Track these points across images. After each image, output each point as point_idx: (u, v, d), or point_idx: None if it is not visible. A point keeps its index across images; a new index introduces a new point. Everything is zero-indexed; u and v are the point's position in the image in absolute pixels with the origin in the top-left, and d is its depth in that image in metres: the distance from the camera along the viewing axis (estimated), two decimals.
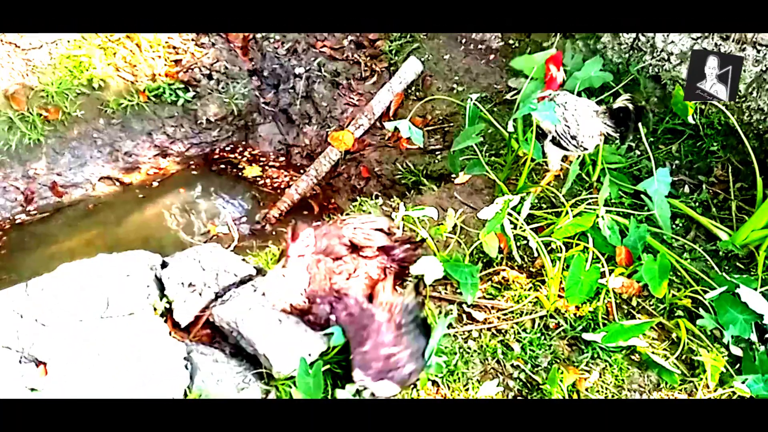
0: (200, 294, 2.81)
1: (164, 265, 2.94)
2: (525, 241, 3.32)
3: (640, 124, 3.41)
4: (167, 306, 2.79)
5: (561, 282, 3.06)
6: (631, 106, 3.29)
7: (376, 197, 3.96)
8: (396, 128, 3.55)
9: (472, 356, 2.85)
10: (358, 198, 4.00)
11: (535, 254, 3.18)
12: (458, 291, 3.07)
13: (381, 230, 2.73)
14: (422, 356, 2.52)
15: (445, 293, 3.07)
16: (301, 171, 4.95)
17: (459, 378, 2.74)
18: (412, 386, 2.69)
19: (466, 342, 2.90)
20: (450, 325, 2.97)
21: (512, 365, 2.84)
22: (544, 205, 3.64)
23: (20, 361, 2.44)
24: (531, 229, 3.14)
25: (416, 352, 2.51)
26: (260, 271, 3.05)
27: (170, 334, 2.69)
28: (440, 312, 2.98)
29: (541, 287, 3.16)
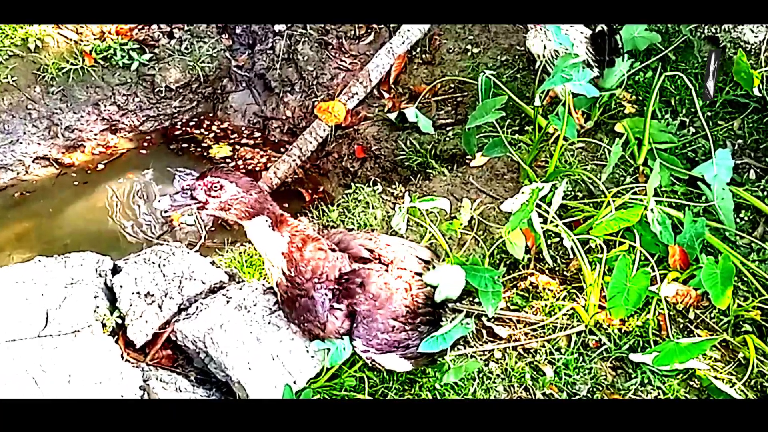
0: (160, 306, 2.78)
1: (116, 270, 2.90)
2: (557, 239, 3.31)
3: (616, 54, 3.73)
4: (119, 321, 2.75)
5: (602, 290, 3.03)
6: (605, 29, 3.56)
7: (374, 183, 3.93)
8: (399, 117, 3.58)
9: (494, 382, 2.82)
10: (351, 184, 3.96)
11: (570, 255, 3.16)
12: (476, 301, 3.02)
13: (422, 260, 2.76)
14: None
15: (461, 304, 3.02)
16: (282, 150, 4.93)
17: None
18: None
19: (486, 365, 2.87)
20: (467, 343, 2.95)
21: (544, 393, 2.81)
22: (581, 195, 3.60)
23: None
24: (565, 224, 3.09)
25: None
26: (233, 277, 3.01)
27: (123, 356, 2.65)
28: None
29: (578, 296, 3.14)
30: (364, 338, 2.53)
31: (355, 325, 2.53)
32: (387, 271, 2.61)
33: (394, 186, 3.92)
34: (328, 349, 2.56)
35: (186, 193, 2.34)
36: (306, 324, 2.56)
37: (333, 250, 2.57)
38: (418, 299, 2.64)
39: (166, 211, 2.37)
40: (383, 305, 2.55)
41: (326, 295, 2.52)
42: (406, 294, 2.61)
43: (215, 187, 2.32)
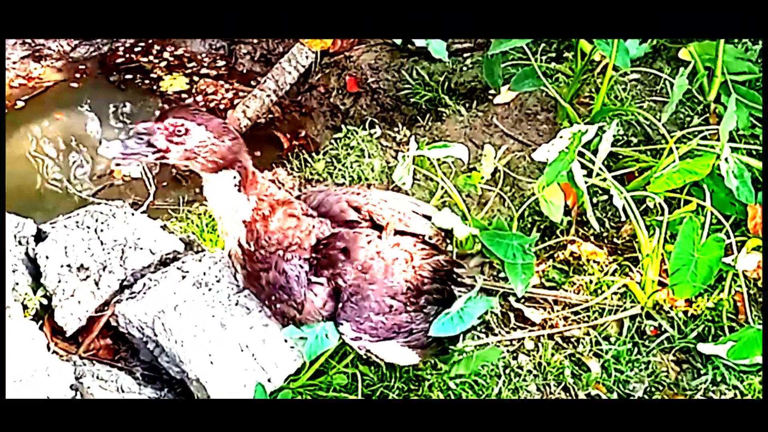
0: (96, 283, 2.76)
1: (40, 236, 2.87)
2: (605, 197, 3.30)
3: None
4: (45, 302, 2.72)
5: (663, 262, 3.01)
6: None
7: (372, 125, 3.91)
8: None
9: (525, 380, 2.81)
10: (342, 126, 3.95)
11: (622, 217, 3.12)
12: (502, 276, 3.03)
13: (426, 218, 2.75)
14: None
15: (483, 279, 2.99)
16: (252, 83, 4.91)
17: None
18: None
19: (515, 358, 2.87)
20: (490, 330, 2.94)
21: (588, 394, 2.80)
22: (635, 140, 3.59)
23: None
24: (615, 177, 3.06)
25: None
26: (190, 246, 3.00)
27: (49, 346, 2.63)
28: None
29: (631, 270, 3.13)
30: (353, 321, 2.49)
31: (340, 304, 2.50)
32: (380, 238, 2.58)
33: (396, 129, 3.90)
34: (306, 338, 2.51)
35: (141, 139, 2.31)
36: (278, 305, 2.53)
37: (310, 216, 2.55)
38: (423, 272, 2.60)
39: (116, 162, 2.34)
40: (375, 279, 2.51)
41: (301, 267, 2.49)
42: (406, 265, 2.57)
43: (179, 130, 2.29)
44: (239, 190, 2.40)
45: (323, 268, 2.50)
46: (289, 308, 2.52)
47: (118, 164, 2.36)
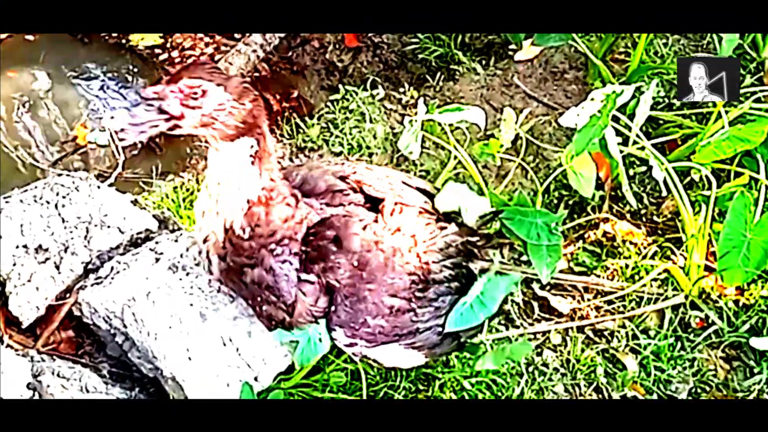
0: (57, 266, 2.75)
1: None
2: (644, 168, 3.30)
3: None
4: None
5: (710, 243, 3.01)
6: None
7: (374, 85, 3.91)
8: None
9: (551, 379, 2.82)
10: (339, 86, 3.95)
11: (663, 192, 3.09)
12: (524, 259, 3.01)
13: (423, 190, 2.72)
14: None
15: (503, 263, 2.97)
16: (236, 36, 4.86)
17: None
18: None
19: (539, 354, 2.87)
20: (510, 322, 2.94)
21: (624, 396, 2.80)
22: (677, 102, 3.56)
23: None
24: (654, 145, 3.06)
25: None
26: (164, 224, 2.99)
27: (3, 339, 2.64)
28: None
29: (674, 253, 3.14)
30: (347, 327, 2.46)
31: (333, 307, 2.46)
32: (376, 221, 2.52)
33: (402, 89, 3.91)
34: (297, 341, 2.49)
35: (152, 105, 2.25)
36: (264, 307, 2.50)
37: (297, 199, 2.51)
38: (430, 257, 2.55)
39: (122, 132, 2.25)
40: (373, 276, 2.47)
41: (290, 264, 2.46)
42: (409, 254, 2.52)
43: (195, 93, 2.24)
44: (253, 163, 2.35)
45: (312, 262, 2.46)
46: (277, 311, 2.49)
47: (122, 138, 2.26)
